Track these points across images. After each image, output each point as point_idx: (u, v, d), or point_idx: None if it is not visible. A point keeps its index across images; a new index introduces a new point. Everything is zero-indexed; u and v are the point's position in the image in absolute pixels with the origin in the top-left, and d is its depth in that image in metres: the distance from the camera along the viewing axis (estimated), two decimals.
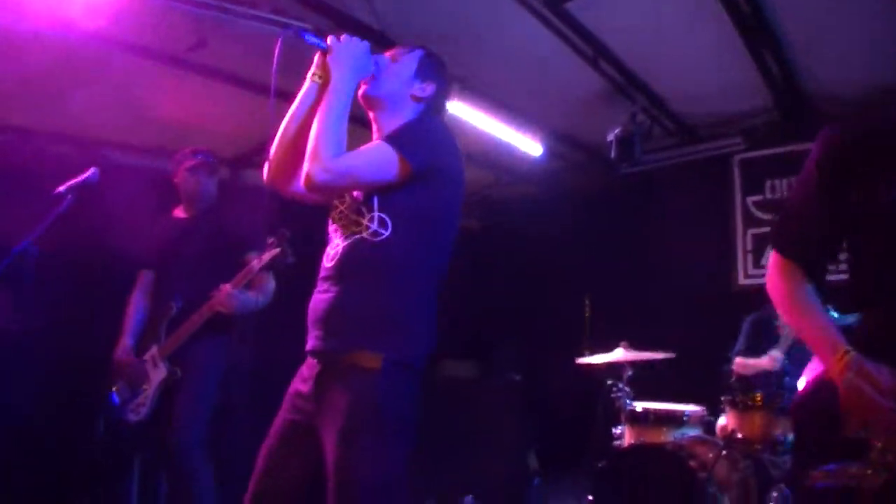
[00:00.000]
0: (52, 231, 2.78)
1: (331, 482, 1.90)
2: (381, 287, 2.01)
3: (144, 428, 3.58)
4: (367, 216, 2.05)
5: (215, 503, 3.42)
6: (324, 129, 2.01)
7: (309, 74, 2.19)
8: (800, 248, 1.81)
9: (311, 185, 2.00)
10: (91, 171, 2.93)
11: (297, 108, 2.19)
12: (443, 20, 3.95)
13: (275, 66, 2.09)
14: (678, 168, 6.07)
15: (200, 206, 3.83)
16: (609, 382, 4.27)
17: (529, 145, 5.51)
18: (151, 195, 4.21)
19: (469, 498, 5.19)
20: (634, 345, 4.25)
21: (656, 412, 4.02)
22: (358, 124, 2.24)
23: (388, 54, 2.25)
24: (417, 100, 2.20)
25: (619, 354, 4.22)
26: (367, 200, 2.06)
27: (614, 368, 4.29)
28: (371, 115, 2.24)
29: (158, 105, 4.52)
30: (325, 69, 2.13)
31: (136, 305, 3.83)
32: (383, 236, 2.02)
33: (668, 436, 3.90)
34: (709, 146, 5.93)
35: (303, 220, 3.05)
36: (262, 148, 2.28)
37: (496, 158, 6.10)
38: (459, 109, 4.74)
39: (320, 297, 2.09)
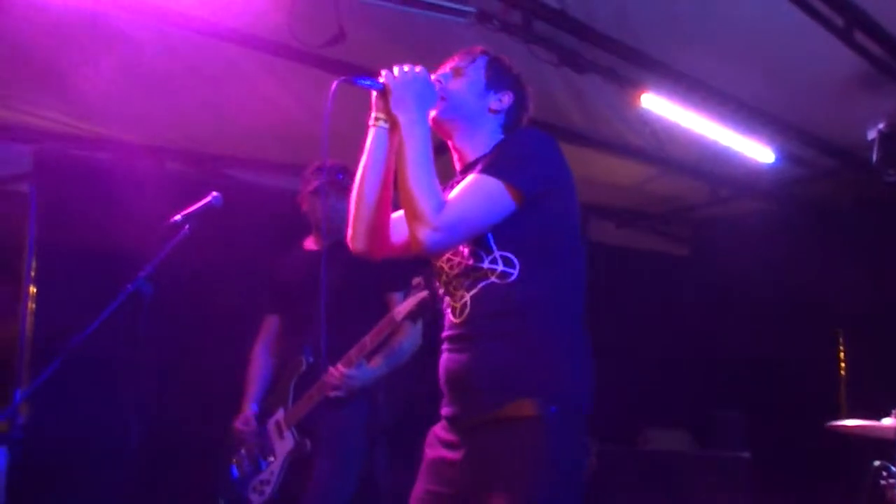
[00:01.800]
0: (168, 265, 2.93)
1: None
2: (525, 331, 2.20)
3: None
4: (488, 259, 2.23)
5: None
6: (415, 184, 2.18)
7: (370, 121, 2.36)
8: None
9: (423, 250, 2.19)
10: (213, 195, 3.10)
11: (369, 161, 2.35)
12: None
13: (326, 120, 2.28)
14: None
15: (333, 235, 3.65)
16: (877, 464, 4.04)
17: (757, 150, 5.39)
18: (285, 222, 4.29)
19: None
20: None
21: None
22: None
23: (447, 68, 2.44)
24: (496, 112, 2.43)
25: (890, 423, 4.00)
26: (482, 242, 2.24)
27: (884, 443, 4.09)
28: (449, 142, 2.44)
29: (292, 112, 4.62)
30: (386, 111, 2.30)
31: (260, 360, 3.91)
32: (513, 276, 2.21)
33: None
34: None
35: None
36: None
37: (711, 167, 6.06)
38: (661, 106, 4.68)
39: (455, 356, 2.28)
